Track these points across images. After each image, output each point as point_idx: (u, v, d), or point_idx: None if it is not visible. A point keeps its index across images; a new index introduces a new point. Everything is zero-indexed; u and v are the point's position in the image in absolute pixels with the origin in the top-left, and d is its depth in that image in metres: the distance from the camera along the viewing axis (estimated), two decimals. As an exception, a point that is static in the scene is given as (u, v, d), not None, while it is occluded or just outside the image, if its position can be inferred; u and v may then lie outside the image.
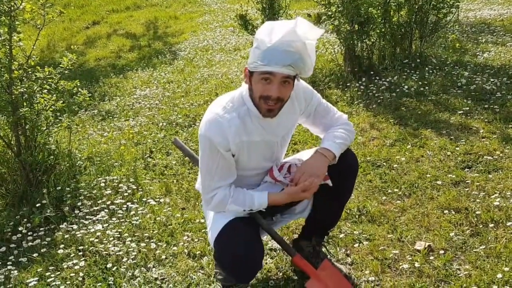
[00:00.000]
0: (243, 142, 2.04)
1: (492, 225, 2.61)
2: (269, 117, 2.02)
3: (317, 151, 2.13)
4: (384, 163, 3.42)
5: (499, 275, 2.22)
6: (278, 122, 2.08)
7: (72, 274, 2.54)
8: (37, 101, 3.36)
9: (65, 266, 2.62)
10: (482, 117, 3.91)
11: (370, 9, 4.93)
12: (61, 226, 3.01)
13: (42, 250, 2.78)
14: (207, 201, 2.10)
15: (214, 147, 1.99)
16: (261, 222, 2.15)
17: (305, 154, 2.28)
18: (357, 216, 2.83)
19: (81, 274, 2.54)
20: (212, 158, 2.02)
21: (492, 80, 4.62)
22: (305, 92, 2.18)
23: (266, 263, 2.49)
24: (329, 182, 2.14)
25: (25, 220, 3.07)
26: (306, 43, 1.90)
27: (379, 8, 5.04)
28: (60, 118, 3.52)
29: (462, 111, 4.05)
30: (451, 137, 3.66)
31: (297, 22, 1.88)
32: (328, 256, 2.43)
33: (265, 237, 2.49)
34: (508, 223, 2.60)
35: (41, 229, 3.00)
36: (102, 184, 3.41)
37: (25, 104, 3.28)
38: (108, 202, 3.20)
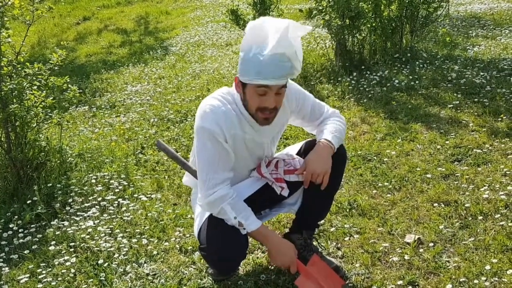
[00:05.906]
0: (237, 135, 2.04)
1: (481, 217, 2.63)
2: (266, 125, 2.02)
3: (320, 142, 2.11)
4: (375, 157, 3.43)
5: (488, 267, 2.25)
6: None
7: (63, 271, 2.54)
8: (27, 98, 3.34)
9: (56, 263, 2.62)
10: (471, 111, 3.94)
11: (360, 3, 4.94)
12: (52, 222, 3.00)
13: (33, 247, 2.77)
14: (205, 196, 2.02)
15: (213, 137, 1.97)
16: None
17: (294, 149, 2.30)
18: (347, 210, 2.85)
19: (72, 270, 2.54)
20: (213, 149, 1.98)
21: (482, 74, 4.65)
22: (297, 93, 2.19)
23: (258, 257, 2.50)
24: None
25: (16, 217, 3.06)
26: (295, 45, 1.87)
27: (370, 2, 5.05)
28: (50, 114, 3.51)
29: (452, 105, 4.07)
30: (441, 130, 3.68)
31: (289, 28, 1.84)
32: (319, 249, 2.44)
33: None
34: (497, 216, 2.63)
35: (32, 226, 2.99)
36: (93, 181, 3.41)
37: (14, 100, 3.26)
38: (99, 199, 3.19)
